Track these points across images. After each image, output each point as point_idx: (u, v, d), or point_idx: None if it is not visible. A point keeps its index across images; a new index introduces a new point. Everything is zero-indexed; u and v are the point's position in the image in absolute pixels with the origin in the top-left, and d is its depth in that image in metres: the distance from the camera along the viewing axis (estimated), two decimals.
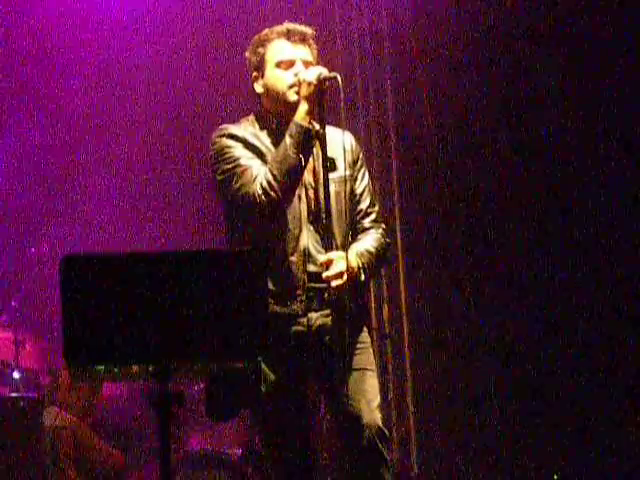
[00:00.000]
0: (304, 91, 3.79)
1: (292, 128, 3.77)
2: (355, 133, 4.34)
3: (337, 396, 3.80)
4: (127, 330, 2.72)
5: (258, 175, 3.77)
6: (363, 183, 4.03)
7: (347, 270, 3.72)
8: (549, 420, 6.14)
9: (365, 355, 3.90)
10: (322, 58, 4.02)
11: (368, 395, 3.83)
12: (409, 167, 6.76)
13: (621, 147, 6.02)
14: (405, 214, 6.72)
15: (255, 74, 3.99)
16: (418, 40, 6.64)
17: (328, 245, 3.81)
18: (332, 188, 3.84)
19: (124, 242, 6.62)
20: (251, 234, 3.84)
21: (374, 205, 4.05)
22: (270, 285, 3.78)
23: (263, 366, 3.77)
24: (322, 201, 3.83)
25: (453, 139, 6.55)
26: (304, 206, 3.87)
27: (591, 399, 6.01)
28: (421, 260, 6.65)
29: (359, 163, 4.05)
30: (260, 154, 3.87)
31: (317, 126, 3.80)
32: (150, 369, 2.80)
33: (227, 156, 3.86)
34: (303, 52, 3.93)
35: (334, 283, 3.72)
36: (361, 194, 4.01)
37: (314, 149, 3.83)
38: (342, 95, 3.74)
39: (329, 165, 3.83)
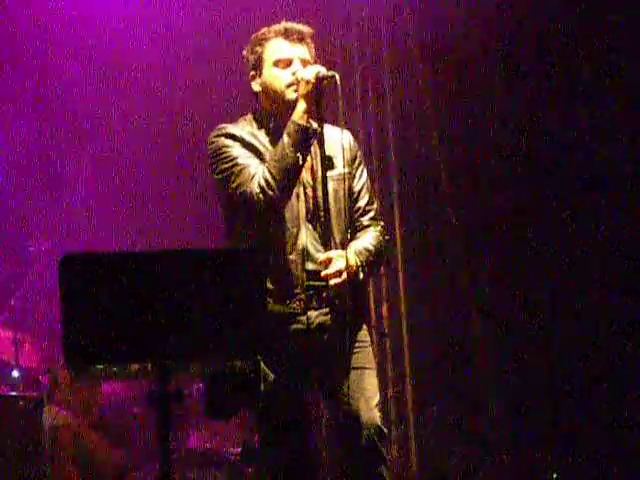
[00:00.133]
0: (302, 90, 3.80)
1: (290, 127, 3.78)
2: (354, 131, 4.34)
3: (336, 395, 3.81)
4: (126, 329, 2.72)
5: (256, 174, 3.77)
6: (361, 181, 4.04)
7: (346, 268, 3.73)
8: (548, 419, 6.14)
9: (364, 354, 3.91)
10: (320, 57, 4.02)
11: (367, 394, 3.83)
12: (408, 165, 6.75)
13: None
14: (404, 212, 6.72)
15: (253, 73, 4.00)
16: (418, 39, 6.64)
17: (327, 243, 3.81)
18: (330, 186, 3.85)
19: (123, 241, 6.62)
20: (250, 233, 3.85)
21: (372, 203, 4.06)
22: (269, 284, 3.79)
23: (262, 365, 3.78)
24: (320, 199, 3.83)
25: (452, 138, 6.55)
26: (302, 205, 3.88)
27: (590, 399, 6.00)
28: (420, 259, 6.65)
29: (357, 161, 4.05)
30: (258, 153, 3.88)
31: (315, 125, 3.80)
32: (149, 368, 2.80)
33: (225, 155, 3.86)
34: (301, 51, 3.94)
35: (333, 281, 3.73)
36: (359, 192, 4.02)
37: (312, 148, 3.84)
38: (340, 93, 3.75)
39: (327, 163, 3.84)
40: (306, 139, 3.77)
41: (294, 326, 3.83)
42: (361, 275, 3.84)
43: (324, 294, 3.82)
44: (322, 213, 3.83)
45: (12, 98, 6.91)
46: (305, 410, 3.92)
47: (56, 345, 5.99)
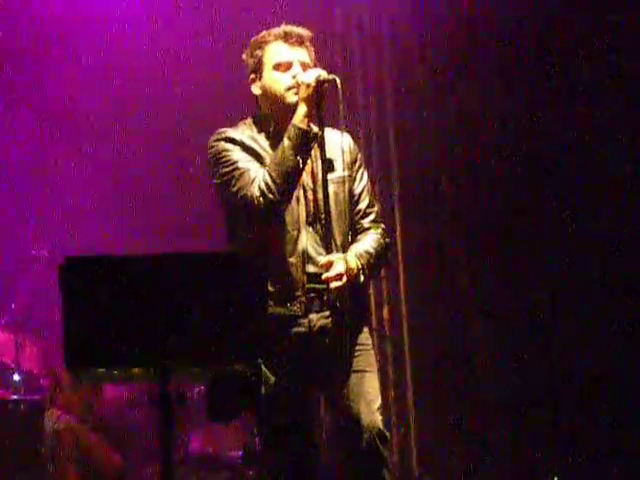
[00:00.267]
0: (302, 93, 3.80)
1: (290, 130, 3.78)
2: (354, 135, 4.34)
3: (337, 398, 3.80)
4: (127, 332, 2.72)
5: (256, 177, 3.78)
6: (362, 183, 4.04)
7: (346, 271, 3.73)
8: (548, 419, 6.14)
9: (366, 356, 3.91)
10: (321, 60, 4.02)
11: (368, 397, 3.83)
12: (409, 168, 6.75)
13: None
14: (405, 215, 6.72)
15: (253, 76, 4.00)
16: (418, 41, 6.64)
17: (328, 246, 3.81)
18: (331, 189, 3.85)
19: (124, 244, 6.61)
20: (250, 236, 3.85)
21: (373, 205, 4.06)
22: (270, 287, 3.79)
23: (263, 368, 3.78)
24: (321, 202, 3.83)
25: (453, 140, 6.55)
26: (303, 208, 3.88)
27: (590, 399, 6.00)
28: (421, 261, 6.65)
29: (357, 164, 4.05)
30: (258, 157, 3.88)
31: (315, 128, 3.81)
32: (150, 371, 2.80)
33: (225, 159, 3.86)
34: (301, 54, 3.94)
35: (333, 285, 3.73)
36: (360, 194, 4.02)
37: (312, 151, 3.84)
38: (341, 97, 3.75)
39: (327, 166, 3.84)
40: (306, 142, 3.77)
41: (295, 329, 3.83)
42: (362, 278, 3.84)
43: (325, 297, 3.82)
44: (323, 216, 3.83)
45: (9, 99, 6.90)
46: (306, 413, 3.92)
47: (57, 348, 5.98)
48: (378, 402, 3.85)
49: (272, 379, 3.80)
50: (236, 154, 3.87)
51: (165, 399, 2.77)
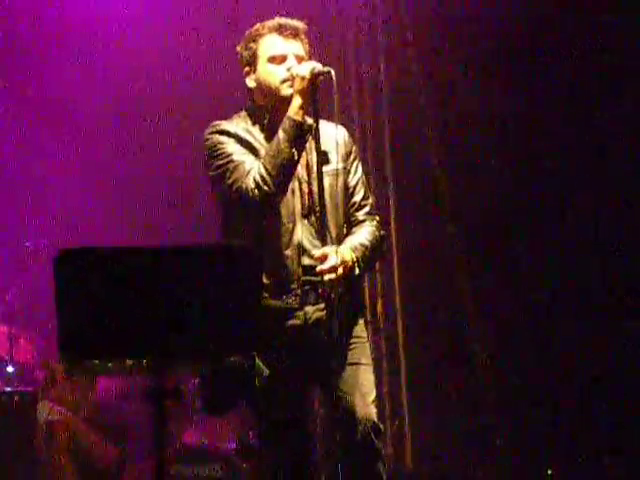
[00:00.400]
0: (297, 85, 3.80)
1: (285, 122, 3.78)
2: (349, 127, 4.34)
3: (332, 390, 3.80)
4: (121, 324, 2.72)
5: (251, 170, 3.78)
6: (357, 176, 4.04)
7: (341, 264, 3.74)
8: (544, 415, 6.14)
9: (361, 349, 3.91)
10: (316, 52, 4.02)
11: (363, 389, 3.83)
12: (403, 161, 6.75)
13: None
14: (399, 208, 6.72)
15: (247, 69, 3.99)
16: (414, 34, 6.64)
17: (323, 239, 3.81)
18: (326, 182, 3.84)
19: (119, 237, 6.61)
20: (245, 229, 3.85)
21: (368, 197, 4.06)
22: (265, 279, 3.79)
23: (257, 360, 3.78)
24: (316, 195, 3.83)
25: (448, 134, 6.55)
26: (298, 200, 3.88)
27: (590, 401, 6.01)
28: (415, 254, 6.65)
29: (352, 156, 4.05)
30: (253, 149, 3.88)
31: (310, 121, 3.80)
32: (145, 364, 2.80)
33: (220, 152, 3.86)
34: (295, 47, 3.94)
35: (327, 277, 3.73)
36: (355, 187, 4.02)
37: (307, 143, 3.84)
38: (336, 89, 3.75)
39: (322, 159, 3.83)
40: (301, 135, 3.77)
41: (291, 321, 3.83)
42: (357, 270, 3.84)
43: (320, 290, 3.82)
44: (318, 208, 3.83)
45: (9, 99, 6.90)
46: (302, 405, 3.92)
47: (51, 340, 5.98)
48: (373, 395, 3.86)
49: (266, 371, 3.80)
50: (231, 147, 3.86)
51: (159, 392, 2.77)
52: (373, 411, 3.82)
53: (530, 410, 6.16)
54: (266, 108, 3.96)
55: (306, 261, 3.84)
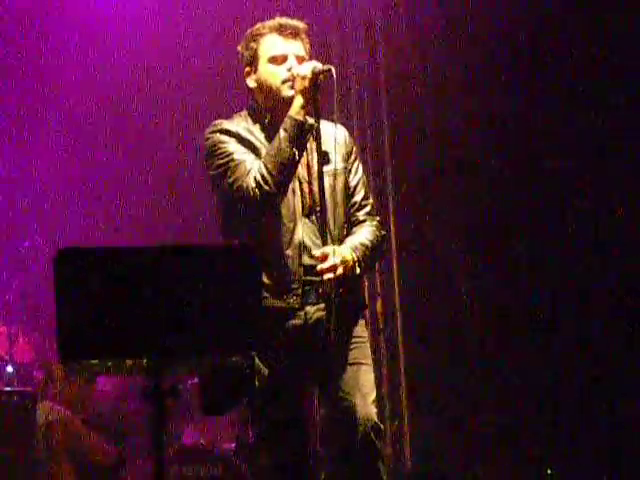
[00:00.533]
0: (299, 85, 3.79)
1: (287, 122, 3.77)
2: (349, 126, 4.33)
3: (332, 390, 3.80)
4: (120, 324, 2.71)
5: (252, 169, 3.77)
6: (357, 176, 4.04)
7: (341, 264, 3.73)
8: (543, 414, 6.14)
9: (361, 349, 3.90)
10: (315, 52, 4.01)
11: (363, 390, 3.83)
12: (403, 161, 6.75)
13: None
14: (399, 208, 6.72)
15: (248, 69, 3.99)
16: (414, 34, 6.63)
17: (324, 238, 3.81)
18: (326, 181, 3.84)
19: (118, 236, 6.61)
20: (245, 228, 3.85)
21: (368, 198, 4.06)
22: (266, 279, 3.78)
23: (257, 360, 3.77)
24: (316, 195, 3.83)
25: (448, 133, 6.54)
26: (298, 200, 3.88)
27: (590, 401, 6.00)
28: (415, 254, 6.64)
29: (352, 156, 4.05)
30: (254, 149, 3.87)
31: (311, 120, 3.80)
32: (144, 363, 2.80)
33: (220, 151, 3.86)
34: (296, 47, 3.93)
35: (326, 276, 3.73)
36: (355, 187, 4.02)
37: (308, 143, 3.84)
38: (336, 86, 3.75)
39: (323, 159, 3.83)
40: (302, 134, 3.77)
41: (291, 321, 3.83)
42: (357, 270, 3.84)
43: (320, 289, 3.81)
44: (318, 208, 3.83)
45: (8, 98, 6.90)
46: (302, 406, 3.91)
47: (50, 340, 5.98)
48: (373, 395, 3.85)
49: (266, 371, 3.80)
50: (232, 146, 3.86)
51: (158, 392, 2.76)
52: (373, 411, 3.81)
53: (530, 410, 6.15)
54: (267, 108, 3.95)
55: (307, 261, 3.83)
